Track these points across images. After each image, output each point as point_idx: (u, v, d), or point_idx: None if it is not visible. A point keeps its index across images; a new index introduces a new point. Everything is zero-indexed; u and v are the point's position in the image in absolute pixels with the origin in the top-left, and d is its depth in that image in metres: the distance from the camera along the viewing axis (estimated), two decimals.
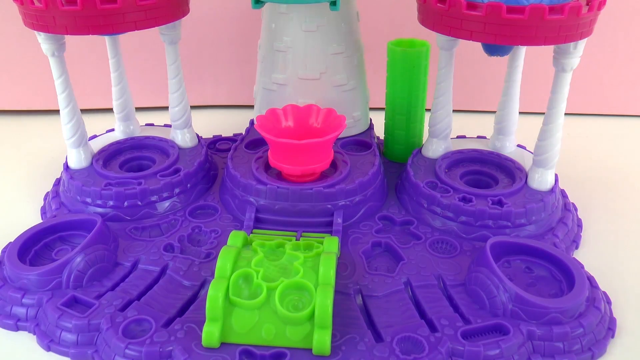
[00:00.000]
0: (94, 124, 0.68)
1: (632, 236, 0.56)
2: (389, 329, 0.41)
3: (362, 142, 0.62)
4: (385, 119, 0.64)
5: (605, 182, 0.66)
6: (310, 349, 0.39)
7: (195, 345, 0.39)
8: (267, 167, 0.55)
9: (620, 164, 0.70)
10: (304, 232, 0.51)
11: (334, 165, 0.56)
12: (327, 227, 0.52)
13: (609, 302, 0.45)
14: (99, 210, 0.54)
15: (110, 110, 0.66)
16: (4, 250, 0.49)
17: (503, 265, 0.46)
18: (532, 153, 0.56)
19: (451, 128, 0.60)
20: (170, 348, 0.39)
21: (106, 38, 0.62)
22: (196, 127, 0.65)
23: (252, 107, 0.64)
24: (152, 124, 0.69)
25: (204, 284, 0.46)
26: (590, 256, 0.52)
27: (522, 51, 0.58)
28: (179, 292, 0.45)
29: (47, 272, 0.44)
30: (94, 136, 0.65)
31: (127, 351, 0.39)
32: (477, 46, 0.52)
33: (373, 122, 0.66)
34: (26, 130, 0.80)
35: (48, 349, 0.41)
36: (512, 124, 0.60)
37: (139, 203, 0.54)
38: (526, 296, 0.41)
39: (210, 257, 0.49)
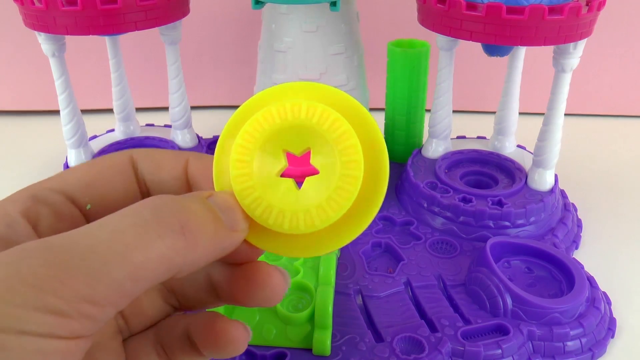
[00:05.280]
0: (94, 125, 0.68)
1: (632, 236, 0.56)
2: (389, 329, 0.41)
3: None
4: (385, 119, 0.64)
5: (605, 182, 0.66)
6: (311, 349, 0.39)
7: None
8: None
9: (620, 164, 0.70)
10: None
11: None
12: None
13: (609, 302, 0.45)
14: None
15: (110, 110, 0.66)
16: None
17: (503, 265, 0.46)
18: (531, 153, 0.56)
19: (451, 128, 0.60)
20: None
21: (106, 38, 0.62)
22: (196, 127, 0.65)
23: None
24: (152, 125, 0.69)
25: None
26: (590, 256, 0.52)
27: (522, 51, 0.58)
28: None
29: None
30: (94, 136, 0.66)
31: None
32: (477, 46, 0.52)
33: None
34: (26, 130, 0.80)
35: None
36: (512, 124, 0.60)
37: None
38: (526, 296, 0.41)
39: None
